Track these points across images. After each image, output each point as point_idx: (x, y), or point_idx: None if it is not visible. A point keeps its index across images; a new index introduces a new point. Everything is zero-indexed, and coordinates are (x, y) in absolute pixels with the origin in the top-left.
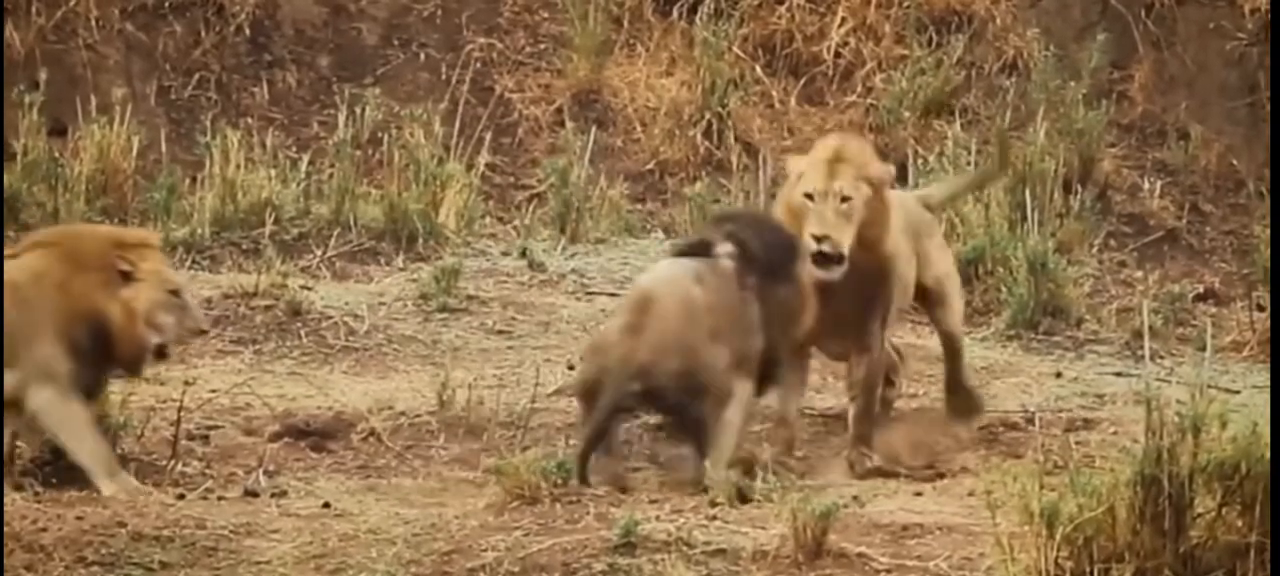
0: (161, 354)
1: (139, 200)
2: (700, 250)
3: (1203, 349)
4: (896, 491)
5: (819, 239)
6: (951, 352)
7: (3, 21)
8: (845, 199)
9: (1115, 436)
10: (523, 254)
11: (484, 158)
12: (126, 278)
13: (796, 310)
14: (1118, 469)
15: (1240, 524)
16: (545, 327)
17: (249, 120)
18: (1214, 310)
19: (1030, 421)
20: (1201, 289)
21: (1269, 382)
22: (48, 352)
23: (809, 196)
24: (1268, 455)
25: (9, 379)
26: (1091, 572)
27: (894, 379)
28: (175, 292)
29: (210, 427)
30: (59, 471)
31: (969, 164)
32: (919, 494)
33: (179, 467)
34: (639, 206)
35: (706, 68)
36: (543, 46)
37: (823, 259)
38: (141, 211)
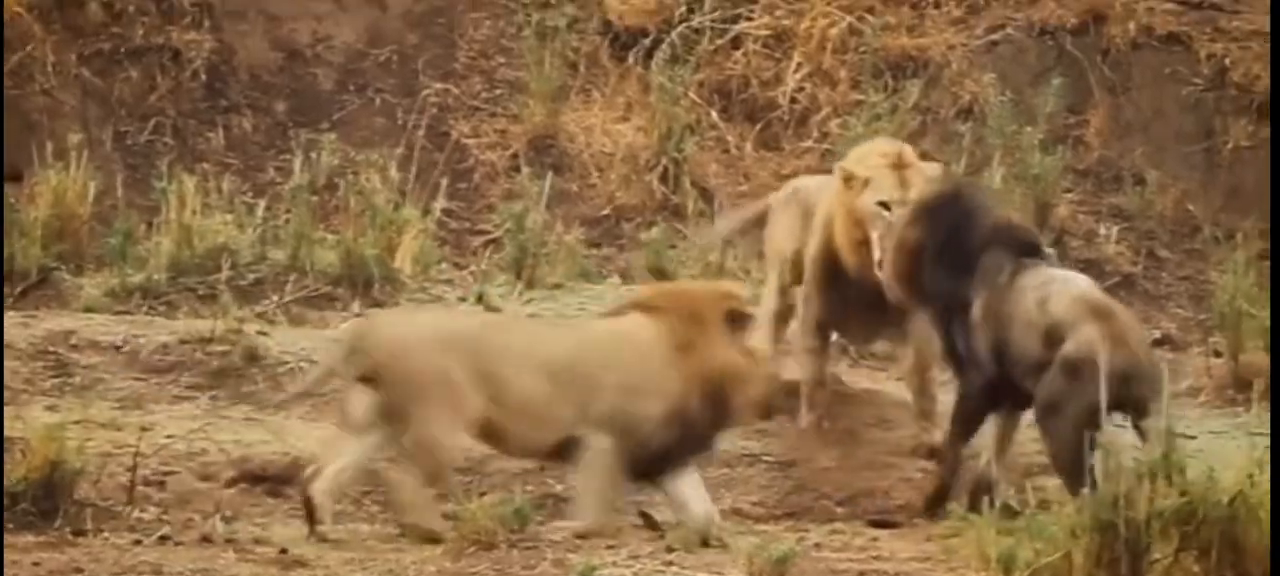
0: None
1: (95, 245)
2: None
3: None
4: (854, 536)
5: None
6: None
7: (2, 34)
8: None
9: None
10: (479, 299)
11: (440, 203)
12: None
13: None
14: (1074, 514)
15: (1197, 569)
16: None
17: (205, 165)
18: (1171, 356)
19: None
20: (1158, 334)
21: (1268, 418)
22: (643, 410)
23: (884, 205)
24: (1224, 500)
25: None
26: None
27: None
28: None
29: (166, 473)
30: (16, 516)
31: None
32: (876, 538)
33: (135, 513)
34: (595, 251)
35: (662, 113)
36: (499, 92)
37: None
38: (97, 257)
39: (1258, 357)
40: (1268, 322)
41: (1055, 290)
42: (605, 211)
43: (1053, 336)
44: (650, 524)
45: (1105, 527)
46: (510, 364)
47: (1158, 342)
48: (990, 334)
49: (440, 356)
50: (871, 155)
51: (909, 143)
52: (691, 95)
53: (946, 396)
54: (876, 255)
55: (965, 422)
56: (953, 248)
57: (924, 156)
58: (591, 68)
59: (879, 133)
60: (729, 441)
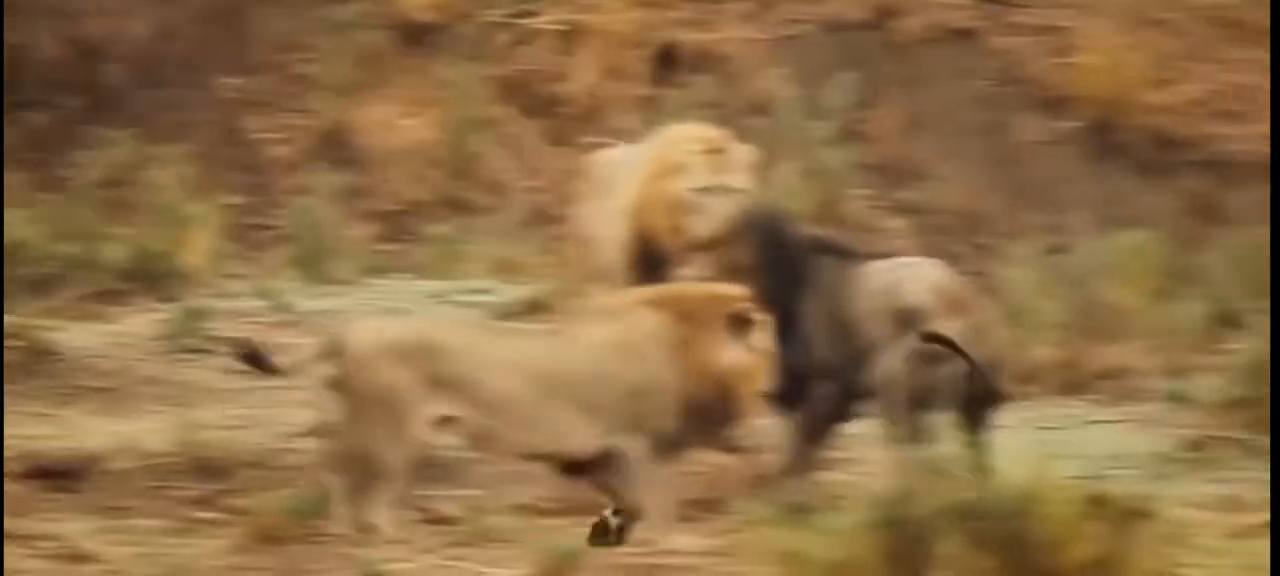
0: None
1: None
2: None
3: None
4: (642, 531)
5: None
6: None
7: (2, 32)
8: (734, 193)
9: (861, 477)
10: (268, 294)
11: (231, 198)
12: (745, 330)
13: None
14: (863, 510)
15: (984, 565)
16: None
17: None
18: None
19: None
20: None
21: (1056, 413)
22: (656, 405)
23: (700, 190)
24: (1011, 496)
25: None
26: None
27: None
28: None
29: None
30: None
31: None
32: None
33: None
34: (386, 246)
35: (453, 108)
36: (290, 87)
37: None
38: None
39: (1045, 352)
40: (1055, 318)
41: (908, 276)
42: (396, 207)
43: (905, 321)
44: (438, 519)
45: (893, 523)
46: (486, 368)
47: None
48: (829, 332)
49: (393, 370)
50: (687, 140)
51: None
52: (482, 90)
53: None
54: (691, 239)
55: (818, 428)
56: (780, 258)
57: None
58: (382, 63)
59: None
60: None
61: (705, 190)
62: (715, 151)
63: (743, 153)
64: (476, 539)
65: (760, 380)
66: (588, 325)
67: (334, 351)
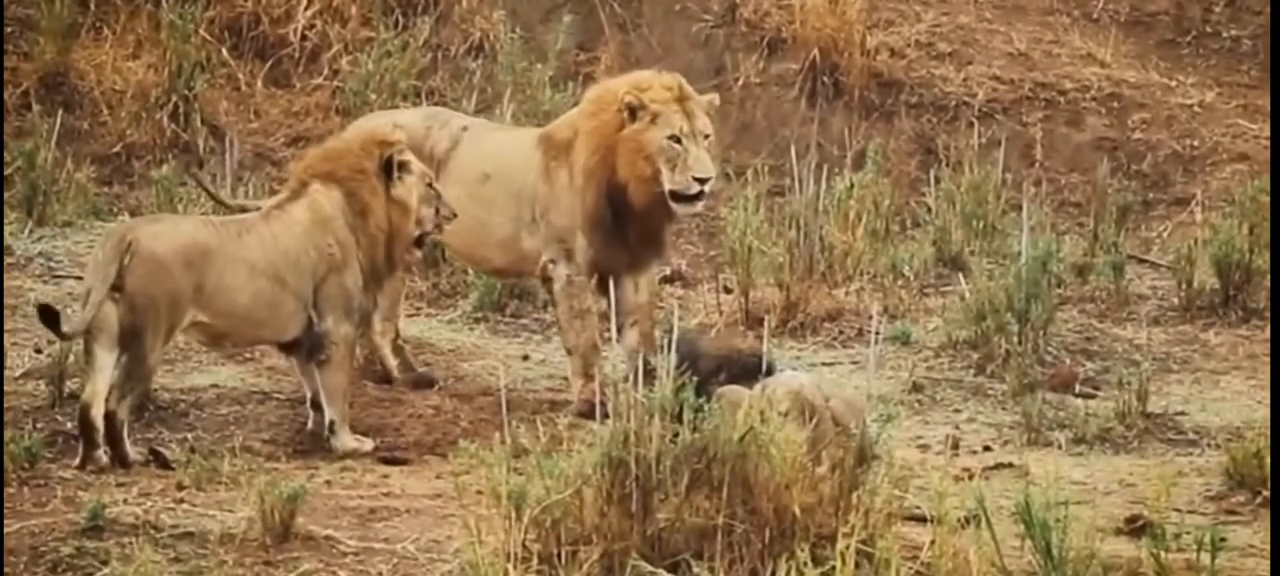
0: (421, 243)
1: None
2: None
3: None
4: (365, 473)
5: (703, 180)
6: None
7: (2, 32)
8: (707, 137)
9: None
10: None
11: None
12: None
13: None
14: (585, 452)
15: (707, 506)
16: (12, 311)
17: None
18: (681, 292)
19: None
20: (669, 271)
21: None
22: (350, 286)
23: (675, 139)
24: (735, 438)
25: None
26: (559, 555)
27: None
28: (431, 184)
29: None
30: None
31: None
32: (387, 475)
33: None
34: (106, 189)
35: (173, 50)
36: (9, 29)
37: (700, 197)
38: None
39: (768, 293)
40: (779, 259)
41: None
42: (116, 149)
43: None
44: (161, 462)
45: (617, 465)
46: (229, 271)
47: (668, 279)
48: None
49: (183, 275)
50: (654, 88)
51: (420, 80)
52: (202, 33)
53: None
54: (667, 187)
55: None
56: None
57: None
58: (102, 5)
59: (390, 71)
60: (239, 378)
61: (678, 138)
62: (682, 99)
63: (705, 100)
64: (200, 481)
65: (410, 232)
66: (289, 204)
67: (123, 251)
